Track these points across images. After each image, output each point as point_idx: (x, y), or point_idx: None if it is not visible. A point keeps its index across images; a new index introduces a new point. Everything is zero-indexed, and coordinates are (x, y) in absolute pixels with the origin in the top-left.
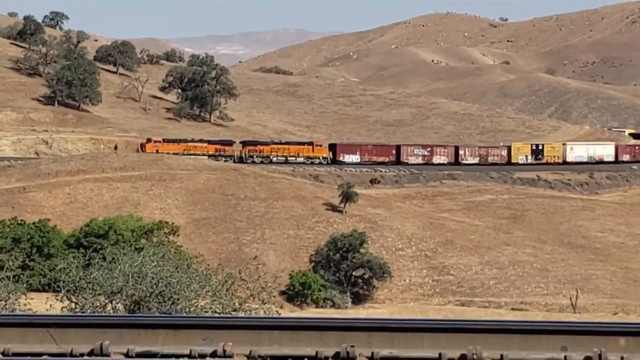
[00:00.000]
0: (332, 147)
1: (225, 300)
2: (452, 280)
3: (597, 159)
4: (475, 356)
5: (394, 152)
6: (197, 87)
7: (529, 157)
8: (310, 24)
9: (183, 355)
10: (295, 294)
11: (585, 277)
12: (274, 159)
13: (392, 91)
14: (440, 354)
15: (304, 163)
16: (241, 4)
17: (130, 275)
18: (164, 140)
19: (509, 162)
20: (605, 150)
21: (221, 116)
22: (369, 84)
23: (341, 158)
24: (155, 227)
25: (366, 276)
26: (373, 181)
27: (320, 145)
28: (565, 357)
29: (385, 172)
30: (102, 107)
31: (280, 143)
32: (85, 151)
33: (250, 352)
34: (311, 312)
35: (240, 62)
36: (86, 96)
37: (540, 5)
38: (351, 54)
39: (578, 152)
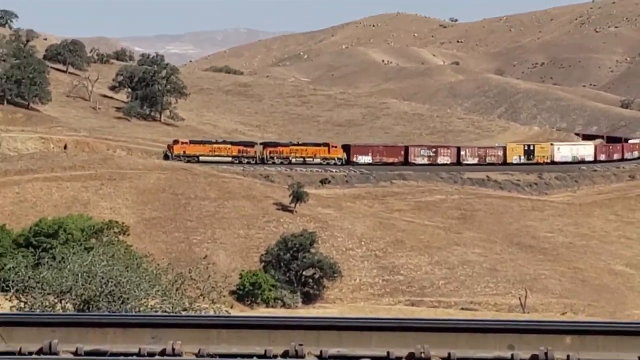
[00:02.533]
0: (346, 148)
1: (175, 299)
2: (402, 280)
3: (579, 158)
4: (423, 355)
5: (402, 152)
6: (147, 87)
7: (522, 157)
8: (261, 23)
9: (132, 354)
10: (245, 293)
11: (534, 277)
12: (293, 160)
13: (342, 91)
14: (388, 353)
15: (320, 164)
16: (192, 4)
17: (79, 275)
18: (190, 142)
19: (504, 162)
20: (586, 151)
21: (171, 115)
22: (319, 84)
23: (355, 159)
24: (105, 226)
25: (316, 276)
26: (323, 181)
27: (336, 147)
28: (512, 355)
29: (336, 172)
30: (51, 106)
31: (298, 144)
32: (34, 150)
33: (199, 350)
34: (261, 312)
35: (190, 61)
36: (35, 95)
37: (489, 6)
38: (302, 53)
39: (564, 152)
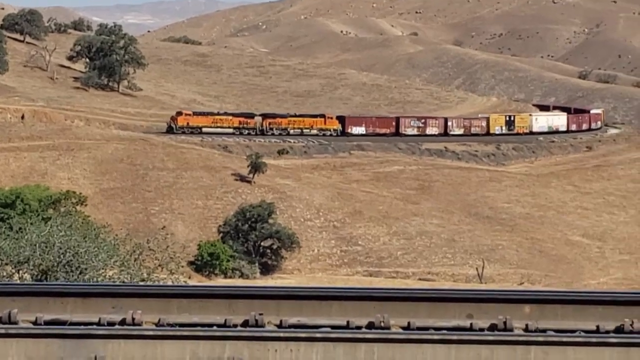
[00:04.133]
0: (341, 120)
1: (133, 270)
2: (360, 251)
3: (554, 128)
4: (382, 324)
5: (394, 124)
6: (105, 57)
7: (504, 127)
8: None
9: (92, 323)
10: (203, 264)
11: (492, 247)
12: (291, 131)
13: (301, 62)
14: (348, 322)
15: (317, 135)
16: None
17: (37, 245)
18: (194, 113)
19: (487, 133)
20: (560, 121)
21: (129, 86)
22: (278, 54)
23: (349, 130)
24: (63, 197)
25: (275, 247)
26: (281, 152)
27: (332, 118)
28: (471, 324)
29: (294, 142)
30: (8, 76)
31: (296, 116)
32: None
33: (159, 320)
34: (220, 283)
35: (148, 31)
36: None
37: None
38: (260, 24)
39: (541, 122)
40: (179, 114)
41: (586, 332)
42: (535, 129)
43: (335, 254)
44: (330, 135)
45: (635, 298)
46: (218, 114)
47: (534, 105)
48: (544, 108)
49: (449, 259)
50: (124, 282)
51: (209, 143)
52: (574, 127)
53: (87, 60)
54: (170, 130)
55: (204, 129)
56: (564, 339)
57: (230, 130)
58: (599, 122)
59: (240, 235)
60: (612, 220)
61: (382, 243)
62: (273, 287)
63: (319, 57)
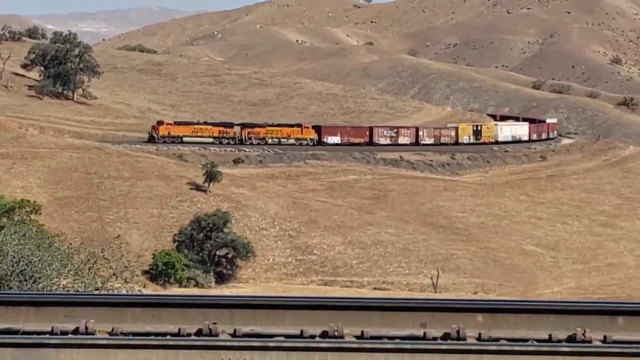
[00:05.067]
0: (318, 129)
1: (87, 279)
2: (315, 260)
3: (518, 138)
4: (336, 333)
5: (367, 133)
6: (60, 65)
7: (471, 137)
8: (174, 2)
9: (45, 332)
10: (158, 273)
11: (446, 256)
12: (269, 141)
13: (256, 71)
14: (302, 331)
15: (293, 145)
16: None
17: None
18: (175, 123)
19: (456, 142)
20: (523, 130)
21: (84, 94)
22: (233, 63)
23: (325, 139)
24: (17, 205)
25: (230, 256)
26: (237, 161)
27: (308, 128)
28: (424, 333)
29: (250, 152)
30: None
31: (273, 125)
32: None
33: (113, 329)
34: (174, 292)
35: (103, 40)
36: None
37: None
38: (216, 33)
39: (506, 132)
40: (160, 123)
41: (539, 341)
42: (500, 139)
43: (291, 263)
44: (307, 144)
45: (587, 307)
46: (198, 123)
47: (488, 115)
48: (502, 118)
49: (404, 268)
50: (77, 291)
51: (164, 152)
52: (534, 137)
53: (42, 68)
54: (152, 140)
55: (184, 139)
56: (517, 348)
57: (210, 140)
58: (555, 132)
59: (195, 244)
60: (566, 230)
61: (337, 252)
62: (227, 296)
63: (274, 66)
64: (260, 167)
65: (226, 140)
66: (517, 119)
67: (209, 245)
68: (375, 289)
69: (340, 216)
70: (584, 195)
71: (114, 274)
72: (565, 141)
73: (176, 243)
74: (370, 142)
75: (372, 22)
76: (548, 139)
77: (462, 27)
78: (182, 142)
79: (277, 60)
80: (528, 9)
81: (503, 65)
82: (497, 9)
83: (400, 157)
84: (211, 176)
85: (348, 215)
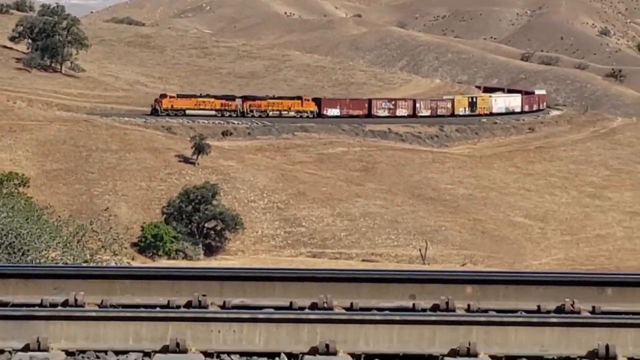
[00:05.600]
0: (318, 102)
1: (76, 251)
2: (303, 232)
3: (511, 109)
4: (325, 304)
5: (366, 105)
6: (48, 38)
7: (467, 109)
8: None
9: (34, 305)
10: (147, 245)
11: (435, 228)
12: (270, 113)
13: (244, 43)
14: (291, 303)
15: (294, 117)
16: None
17: None
18: (178, 96)
19: (452, 114)
20: (516, 102)
21: (72, 67)
22: (222, 35)
23: (325, 112)
24: (5, 178)
25: (218, 228)
26: (225, 133)
27: (308, 100)
28: (413, 305)
29: (238, 124)
30: None
31: (274, 98)
32: None
33: (102, 301)
34: (163, 264)
35: (91, 12)
36: None
37: None
38: (204, 5)
39: (500, 104)
40: (163, 96)
41: (527, 312)
42: (494, 110)
43: (279, 235)
44: (307, 116)
45: (576, 278)
46: (200, 96)
47: (476, 87)
48: (487, 90)
49: (393, 240)
50: (66, 263)
51: (153, 124)
52: (526, 108)
53: (30, 41)
54: (155, 112)
55: (187, 111)
56: (505, 319)
57: (213, 113)
58: (544, 103)
59: (184, 216)
60: (554, 201)
61: (325, 224)
62: (216, 268)
63: (262, 38)
64: (248, 140)
65: (228, 113)
66: (502, 90)
67: (197, 218)
68: (363, 260)
69: (329, 188)
70: (572, 167)
71: (102, 247)
72: (554, 113)
73: (165, 215)
74: (369, 114)
75: None
76: (539, 110)
77: None
78: (185, 115)
79: (265, 33)
80: None
81: (492, 37)
82: None
83: (389, 129)
84: (199, 149)
85: (337, 187)
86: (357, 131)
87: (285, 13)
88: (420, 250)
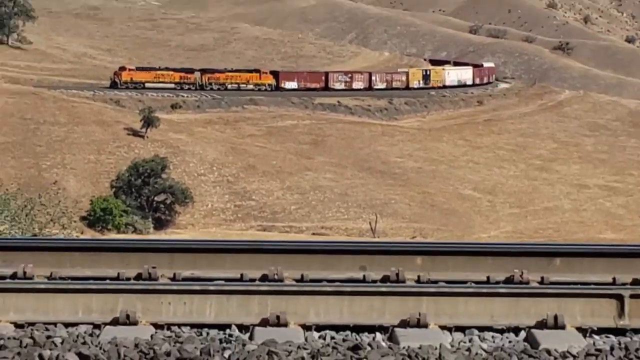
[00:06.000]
0: (275, 75)
1: (24, 224)
2: (254, 206)
3: (463, 82)
4: (276, 276)
5: (323, 78)
6: None
7: (421, 81)
8: None
9: None
10: (96, 219)
11: (385, 201)
12: (229, 86)
13: (193, 15)
14: (241, 275)
15: (252, 90)
16: None
17: None
18: (137, 69)
19: (407, 87)
20: (467, 75)
21: (19, 39)
22: (170, 7)
23: (283, 85)
24: None
25: (168, 201)
26: (174, 106)
27: (266, 73)
28: (364, 276)
29: (187, 97)
30: None
31: (233, 71)
32: None
33: (51, 273)
34: (113, 237)
35: None
36: None
37: None
38: None
39: (452, 76)
40: (122, 69)
41: (477, 283)
42: (447, 83)
43: (229, 208)
44: (265, 89)
45: (524, 249)
46: (159, 69)
47: (425, 59)
48: (435, 62)
49: (343, 214)
50: (15, 236)
51: (101, 97)
52: (477, 81)
53: None
54: (114, 86)
55: (146, 84)
56: (455, 290)
57: (172, 86)
58: (493, 76)
59: (133, 190)
60: (502, 174)
61: (275, 198)
62: (166, 240)
63: (211, 10)
64: (198, 113)
65: (187, 86)
66: (448, 62)
67: (147, 191)
68: (314, 234)
69: (279, 161)
70: (521, 140)
71: (51, 220)
72: (502, 86)
73: (114, 189)
74: (326, 87)
75: None
76: (488, 83)
77: None
78: (144, 88)
79: (214, 5)
80: None
81: (440, 10)
82: None
83: (338, 102)
84: (148, 122)
85: (286, 160)
86: (306, 104)
87: None
88: (370, 223)
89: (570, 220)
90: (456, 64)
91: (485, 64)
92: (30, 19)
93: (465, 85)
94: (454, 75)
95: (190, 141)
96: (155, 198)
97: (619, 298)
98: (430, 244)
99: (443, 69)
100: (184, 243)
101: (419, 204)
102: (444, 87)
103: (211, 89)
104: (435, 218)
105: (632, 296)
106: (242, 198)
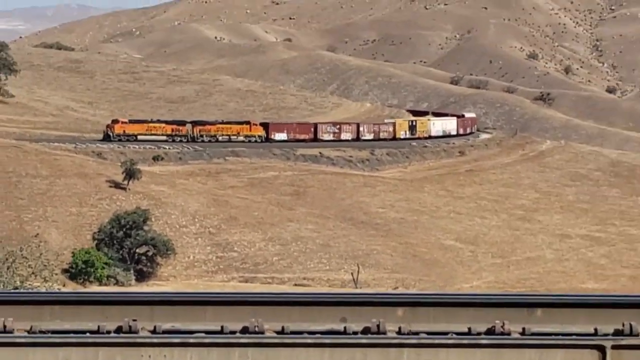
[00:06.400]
0: (265, 126)
1: (6, 278)
2: (235, 257)
3: (447, 132)
4: (257, 328)
5: (312, 130)
6: None
7: (407, 132)
8: None
9: None
10: (78, 272)
11: (367, 252)
12: (220, 138)
13: (175, 68)
14: (222, 327)
15: (243, 141)
16: None
17: None
18: (129, 121)
19: (394, 137)
20: (452, 125)
21: (1, 92)
22: (152, 60)
23: (273, 136)
24: None
25: (150, 253)
26: (156, 158)
27: (256, 125)
28: (344, 327)
29: (169, 149)
30: None
31: (224, 123)
32: None
33: (31, 327)
34: (94, 290)
35: (20, 37)
36: None
37: None
38: (134, 30)
39: (437, 127)
40: (115, 122)
41: (458, 334)
42: (433, 133)
43: (211, 260)
44: (255, 141)
45: (506, 300)
46: (152, 121)
47: (407, 110)
48: (416, 113)
49: (325, 264)
50: None
51: (83, 150)
52: (461, 131)
53: None
54: (107, 138)
55: (139, 137)
56: (436, 341)
57: (164, 138)
58: (475, 126)
59: (115, 242)
60: (484, 224)
61: (257, 249)
62: (147, 293)
63: (193, 63)
64: (180, 165)
65: (179, 138)
66: (426, 113)
67: (129, 243)
68: (296, 285)
69: (261, 213)
70: (502, 190)
71: (33, 273)
72: (484, 136)
73: (96, 241)
74: (315, 138)
75: (290, 18)
76: (470, 133)
77: (380, 23)
78: (137, 140)
79: (196, 57)
80: (445, 4)
81: (421, 61)
82: (414, 5)
83: (320, 153)
84: (130, 174)
85: (268, 211)
86: (288, 155)
87: (216, 37)
88: (352, 274)
89: (553, 270)
90: (435, 114)
91: (467, 115)
92: (12, 72)
93: (449, 136)
94: (439, 125)
95: (172, 193)
96: (137, 250)
97: (601, 349)
98: (411, 295)
99: (429, 120)
100: (164, 295)
101: (401, 254)
102: (430, 137)
103: (202, 140)
104: (417, 268)
105: (614, 347)
106: (223, 249)
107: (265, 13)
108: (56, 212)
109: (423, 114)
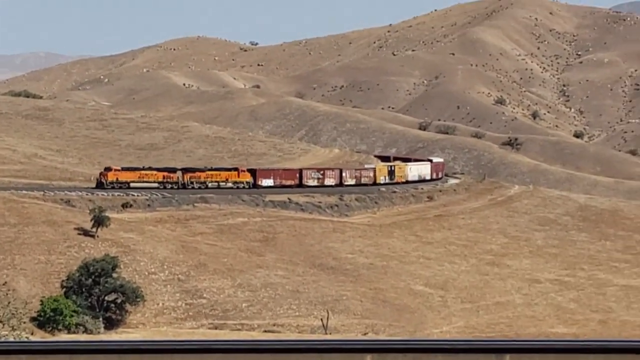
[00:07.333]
0: (253, 173)
1: None
2: (205, 304)
3: (422, 177)
4: None
5: (297, 175)
6: None
7: (387, 177)
8: (60, 47)
9: None
10: (46, 320)
11: (336, 298)
12: (209, 184)
13: (143, 115)
14: None
15: (231, 188)
16: None
17: None
18: (122, 169)
19: (374, 183)
20: (426, 170)
21: None
22: (120, 107)
23: (260, 182)
24: None
25: (119, 301)
26: (125, 205)
27: (244, 171)
28: None
29: (138, 196)
30: None
31: (213, 169)
32: None
33: None
34: (63, 338)
35: None
36: None
37: (289, 30)
38: (102, 77)
39: (414, 172)
40: (108, 169)
41: None
42: (409, 178)
43: (180, 307)
44: (244, 187)
45: (474, 345)
46: (144, 168)
47: (375, 156)
48: (385, 159)
49: (294, 310)
50: None
51: (51, 198)
52: (434, 176)
53: None
54: (100, 186)
55: (131, 184)
56: None
57: (156, 185)
58: (443, 172)
59: (83, 289)
60: (454, 269)
61: (227, 295)
62: (115, 341)
63: (161, 110)
64: (148, 212)
65: (170, 185)
66: (389, 159)
67: (97, 291)
68: (265, 331)
69: (230, 259)
70: (471, 235)
71: (0, 321)
72: (452, 181)
73: (64, 289)
74: (300, 184)
75: (258, 65)
76: (438, 178)
77: (348, 69)
78: (129, 188)
79: (165, 104)
80: (413, 50)
81: (389, 107)
82: (382, 51)
83: (289, 199)
84: (99, 221)
85: (237, 258)
86: (257, 201)
87: (184, 84)
88: (322, 320)
89: (522, 314)
90: (395, 159)
91: (435, 160)
92: None
93: (424, 180)
94: (415, 170)
95: (141, 240)
96: (106, 297)
97: None
98: (379, 342)
99: (406, 165)
100: (132, 344)
101: (371, 300)
102: (407, 182)
103: (192, 187)
104: (387, 314)
105: None
106: (193, 296)
107: (233, 60)
108: (24, 260)
109: (385, 159)
